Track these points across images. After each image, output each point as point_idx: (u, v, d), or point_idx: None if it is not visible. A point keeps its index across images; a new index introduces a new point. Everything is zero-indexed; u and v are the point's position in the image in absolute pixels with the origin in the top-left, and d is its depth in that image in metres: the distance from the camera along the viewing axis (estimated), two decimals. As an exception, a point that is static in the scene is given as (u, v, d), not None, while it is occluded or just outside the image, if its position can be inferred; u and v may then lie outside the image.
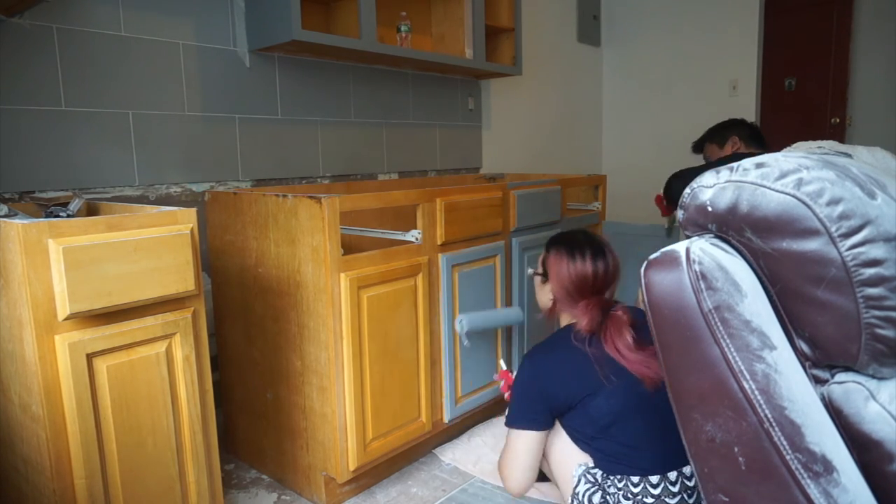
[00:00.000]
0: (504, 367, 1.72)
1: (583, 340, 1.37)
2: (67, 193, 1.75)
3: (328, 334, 1.52)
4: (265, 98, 2.27)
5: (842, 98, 4.23)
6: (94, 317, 1.09)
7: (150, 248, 1.12)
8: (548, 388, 1.38)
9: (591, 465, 1.39)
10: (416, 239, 1.73)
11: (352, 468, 1.59)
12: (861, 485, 0.66)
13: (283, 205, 1.57)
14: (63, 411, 1.08)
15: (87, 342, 1.07)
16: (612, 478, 1.34)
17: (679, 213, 0.79)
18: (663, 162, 4.04)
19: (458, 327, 1.78)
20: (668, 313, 0.73)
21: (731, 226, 0.72)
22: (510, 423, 1.42)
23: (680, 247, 0.74)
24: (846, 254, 0.63)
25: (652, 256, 0.76)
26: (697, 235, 0.76)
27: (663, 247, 0.77)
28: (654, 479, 1.31)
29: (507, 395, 1.62)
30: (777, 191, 0.67)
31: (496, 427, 2.05)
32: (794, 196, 0.66)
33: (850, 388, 0.69)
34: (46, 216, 1.31)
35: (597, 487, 1.35)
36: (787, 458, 0.66)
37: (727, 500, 0.72)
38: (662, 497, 1.30)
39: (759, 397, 0.67)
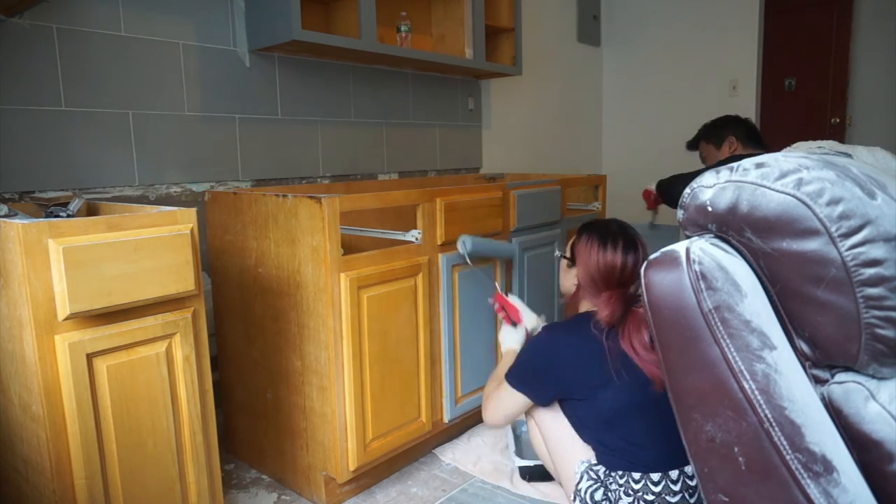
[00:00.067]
0: (500, 289, 1.82)
1: (601, 331, 1.38)
2: (67, 193, 1.75)
3: (328, 334, 1.52)
4: (265, 98, 2.27)
5: (842, 98, 4.23)
6: (94, 317, 1.09)
7: (150, 248, 1.12)
8: (558, 370, 1.39)
9: (594, 461, 1.40)
10: (416, 239, 1.73)
11: (352, 468, 1.59)
12: (861, 485, 0.66)
13: (283, 205, 1.57)
14: (63, 411, 1.07)
15: (87, 342, 1.07)
16: (613, 474, 1.34)
17: (679, 213, 0.79)
18: (663, 162, 4.05)
19: (460, 247, 1.79)
20: (668, 313, 0.73)
21: (731, 226, 0.72)
22: (511, 382, 1.46)
23: (680, 247, 0.74)
24: (846, 254, 0.63)
25: (652, 256, 0.76)
26: (697, 235, 0.76)
27: (663, 246, 0.77)
28: (656, 476, 1.31)
29: (501, 315, 1.74)
30: (777, 191, 0.67)
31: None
32: (794, 196, 0.66)
33: (850, 388, 0.69)
34: (46, 216, 1.31)
35: (599, 484, 1.36)
36: (787, 458, 0.66)
37: (727, 500, 0.72)
38: (663, 495, 1.30)
39: (759, 397, 0.67)
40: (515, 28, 3.02)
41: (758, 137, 2.33)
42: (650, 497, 1.30)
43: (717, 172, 0.74)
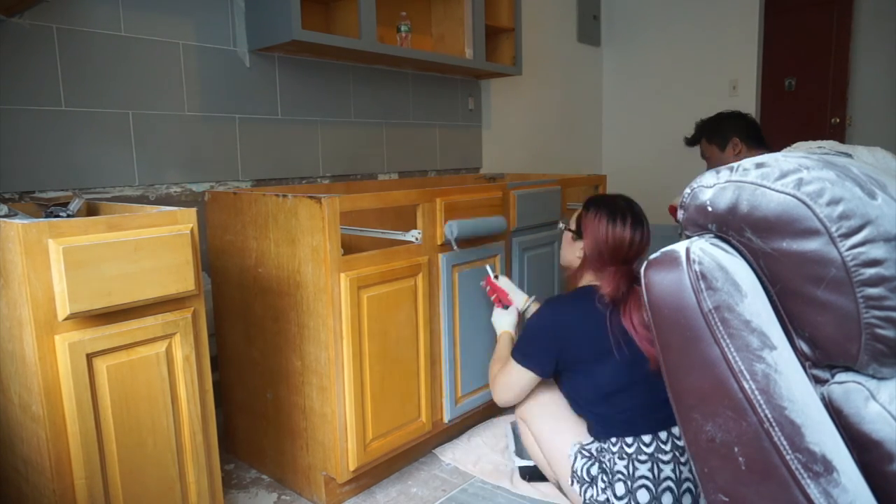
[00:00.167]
0: (491, 273, 1.86)
1: (604, 305, 1.40)
2: (67, 193, 1.75)
3: (328, 334, 1.52)
4: (265, 98, 2.27)
5: (842, 98, 4.23)
6: (94, 317, 1.09)
7: (150, 248, 1.12)
8: (561, 339, 1.42)
9: (585, 441, 1.44)
10: (416, 239, 1.73)
11: (352, 468, 1.59)
12: (861, 485, 0.66)
13: (283, 205, 1.57)
14: (63, 411, 1.07)
15: (87, 342, 1.07)
16: (606, 444, 1.39)
17: (679, 213, 0.79)
18: (663, 162, 4.06)
19: (447, 233, 1.78)
20: (668, 313, 0.73)
21: (731, 226, 0.72)
22: (518, 360, 1.49)
23: (680, 247, 0.74)
24: (846, 254, 0.63)
25: (652, 256, 0.76)
26: (697, 235, 0.76)
27: (664, 245, 0.77)
28: (647, 438, 1.37)
29: (493, 298, 1.83)
30: (777, 191, 0.67)
31: (496, 427, 2.05)
32: (794, 196, 0.66)
33: (850, 388, 0.69)
34: (46, 216, 1.31)
35: (593, 460, 1.41)
36: (787, 458, 0.66)
37: (727, 500, 0.72)
38: (656, 454, 1.36)
39: (759, 397, 0.67)
40: (515, 28, 3.02)
41: (760, 135, 2.33)
42: (643, 458, 1.36)
43: (717, 172, 0.74)
